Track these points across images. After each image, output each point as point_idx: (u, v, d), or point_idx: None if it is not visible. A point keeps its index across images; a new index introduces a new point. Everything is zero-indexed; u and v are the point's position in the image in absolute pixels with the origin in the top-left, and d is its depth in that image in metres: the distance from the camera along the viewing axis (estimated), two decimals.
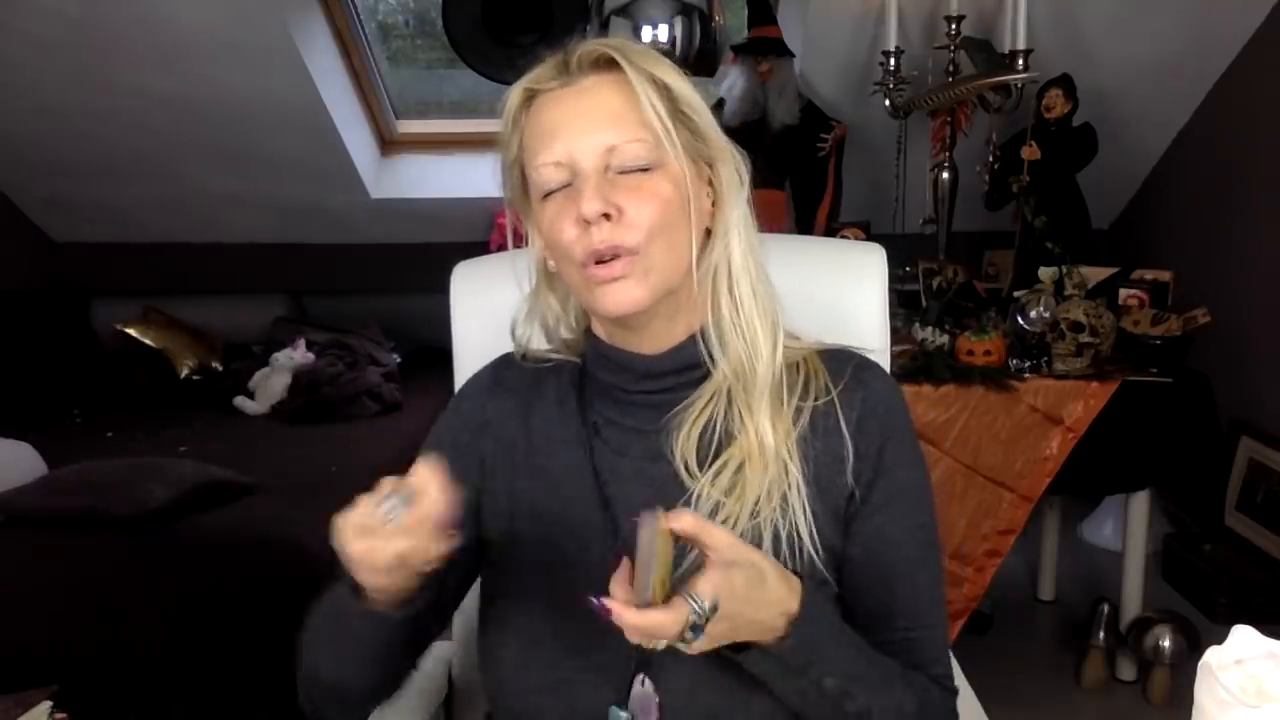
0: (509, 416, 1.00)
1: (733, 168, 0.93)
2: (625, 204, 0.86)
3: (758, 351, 0.91)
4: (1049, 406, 2.20)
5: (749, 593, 0.78)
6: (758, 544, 0.87)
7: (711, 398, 0.93)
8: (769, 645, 0.81)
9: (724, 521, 0.88)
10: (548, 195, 0.89)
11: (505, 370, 1.03)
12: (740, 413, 0.91)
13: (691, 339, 0.94)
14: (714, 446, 0.92)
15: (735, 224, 0.92)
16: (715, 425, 0.92)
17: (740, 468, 0.90)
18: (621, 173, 0.87)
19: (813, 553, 0.89)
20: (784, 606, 0.81)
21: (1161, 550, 2.92)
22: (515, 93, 0.92)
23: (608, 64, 0.89)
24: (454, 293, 1.23)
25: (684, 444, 0.92)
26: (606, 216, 0.86)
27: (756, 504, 0.88)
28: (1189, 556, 2.84)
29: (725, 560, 0.77)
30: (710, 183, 0.93)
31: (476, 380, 1.05)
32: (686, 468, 0.91)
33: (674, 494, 0.91)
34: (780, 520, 0.89)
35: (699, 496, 0.90)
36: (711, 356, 0.92)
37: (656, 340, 0.94)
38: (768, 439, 0.90)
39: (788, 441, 0.91)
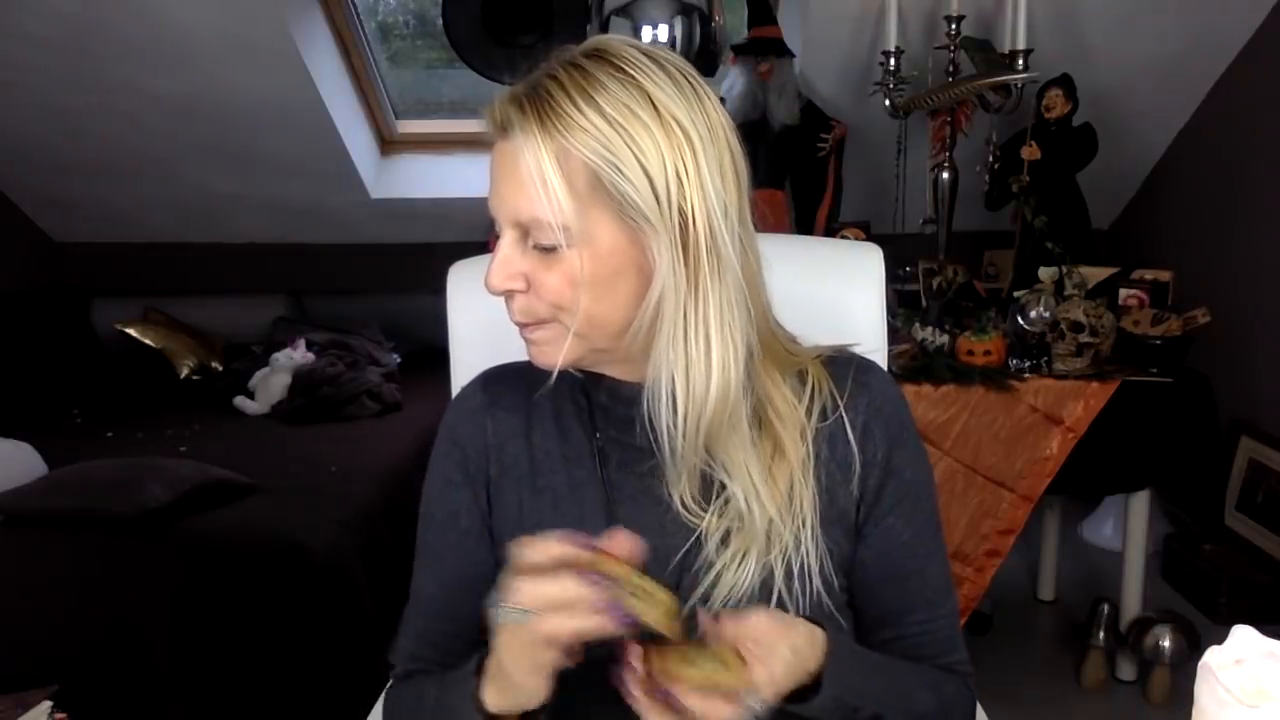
0: (510, 437, 0.96)
1: (667, 241, 0.80)
2: (535, 278, 0.84)
3: (704, 401, 0.83)
4: (1049, 406, 2.20)
5: (788, 674, 0.79)
6: (770, 578, 0.87)
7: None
8: (808, 708, 0.81)
9: (735, 554, 0.87)
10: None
11: (497, 387, 0.99)
12: (740, 470, 0.88)
13: None
14: (715, 484, 0.89)
15: (669, 296, 0.82)
16: (709, 471, 0.89)
17: (746, 503, 0.88)
18: (535, 246, 0.84)
19: (822, 590, 0.88)
20: (813, 665, 0.81)
21: (1161, 550, 2.92)
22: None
23: (520, 124, 0.81)
24: (450, 293, 1.22)
25: (680, 488, 0.88)
26: (512, 293, 0.85)
27: (767, 534, 0.87)
28: (1189, 556, 2.84)
29: (769, 649, 0.78)
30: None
31: (466, 403, 0.99)
32: (685, 506, 0.89)
33: (677, 516, 0.89)
34: (794, 554, 0.88)
35: (707, 531, 0.88)
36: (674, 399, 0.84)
37: (634, 371, 0.90)
38: (761, 496, 0.87)
39: (800, 470, 0.89)
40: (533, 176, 0.80)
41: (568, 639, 0.74)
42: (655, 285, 0.82)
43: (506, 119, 0.82)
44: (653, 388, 0.85)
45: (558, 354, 0.86)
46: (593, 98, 0.80)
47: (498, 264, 0.84)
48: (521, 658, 0.77)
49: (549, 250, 0.82)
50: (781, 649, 0.78)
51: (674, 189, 0.80)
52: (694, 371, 0.83)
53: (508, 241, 0.84)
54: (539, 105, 0.80)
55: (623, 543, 0.76)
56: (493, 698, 0.81)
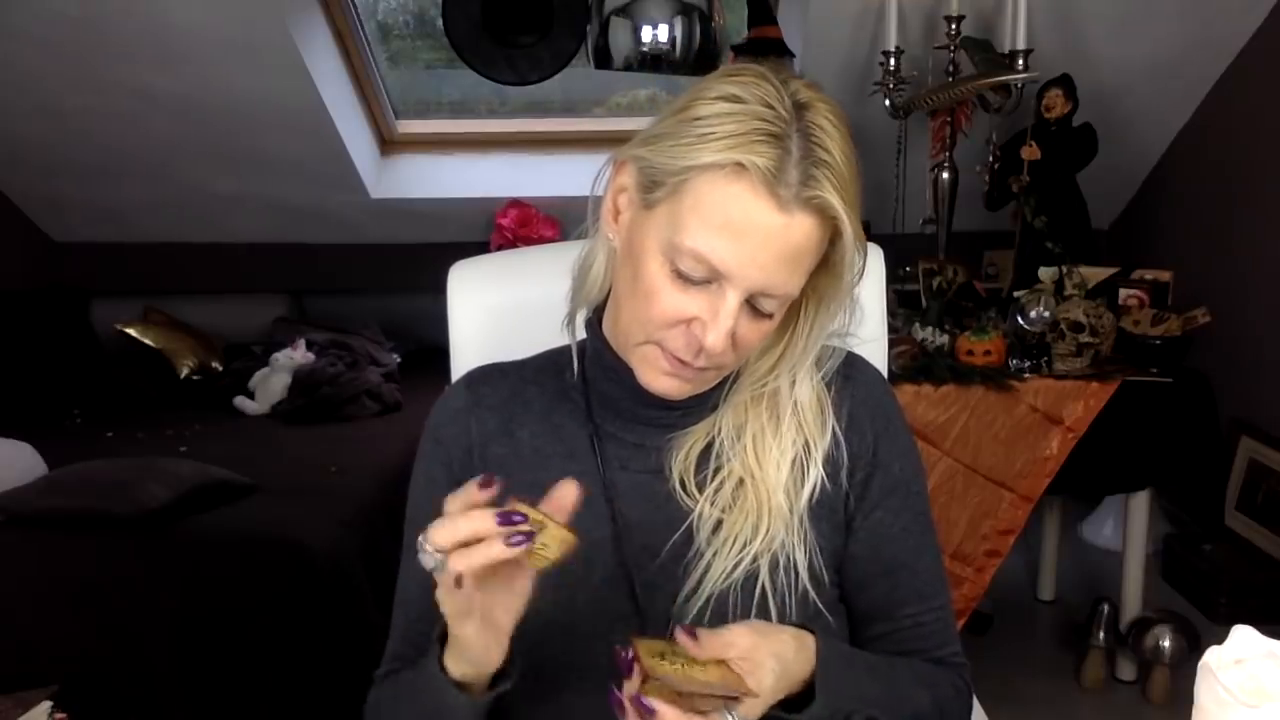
0: (493, 436, 0.96)
1: (841, 317, 0.92)
2: (742, 337, 0.84)
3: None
4: (1049, 406, 2.20)
5: (777, 685, 0.78)
6: (757, 569, 0.87)
7: (717, 423, 0.92)
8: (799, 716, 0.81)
9: (727, 539, 0.87)
10: (677, 272, 0.82)
11: (481, 386, 0.99)
12: (746, 444, 0.91)
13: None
14: (714, 461, 0.91)
15: (809, 354, 0.92)
16: (716, 441, 0.91)
17: (740, 484, 0.89)
18: (755, 307, 0.83)
19: (809, 584, 0.88)
20: (804, 673, 0.81)
21: (1161, 550, 2.92)
22: (727, 148, 0.79)
23: (818, 206, 0.82)
24: (451, 292, 1.21)
25: (682, 463, 0.91)
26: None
27: (758, 521, 0.88)
28: (1189, 556, 2.84)
29: (755, 663, 0.77)
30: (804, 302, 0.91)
31: (449, 404, 1.00)
32: (684, 487, 0.90)
33: (675, 511, 0.90)
34: (780, 548, 0.88)
35: (700, 516, 0.89)
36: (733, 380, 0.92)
37: None
38: (777, 495, 0.89)
39: (791, 472, 0.90)
40: (801, 256, 0.82)
41: (479, 571, 0.73)
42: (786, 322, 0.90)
43: (807, 202, 0.81)
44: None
45: (688, 389, 0.87)
46: (852, 175, 0.85)
47: (724, 330, 0.81)
48: (450, 605, 0.76)
49: (767, 316, 0.84)
50: (768, 661, 0.78)
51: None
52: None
53: (735, 303, 0.81)
54: (847, 212, 0.84)
55: (566, 492, 0.76)
56: (453, 664, 0.81)
